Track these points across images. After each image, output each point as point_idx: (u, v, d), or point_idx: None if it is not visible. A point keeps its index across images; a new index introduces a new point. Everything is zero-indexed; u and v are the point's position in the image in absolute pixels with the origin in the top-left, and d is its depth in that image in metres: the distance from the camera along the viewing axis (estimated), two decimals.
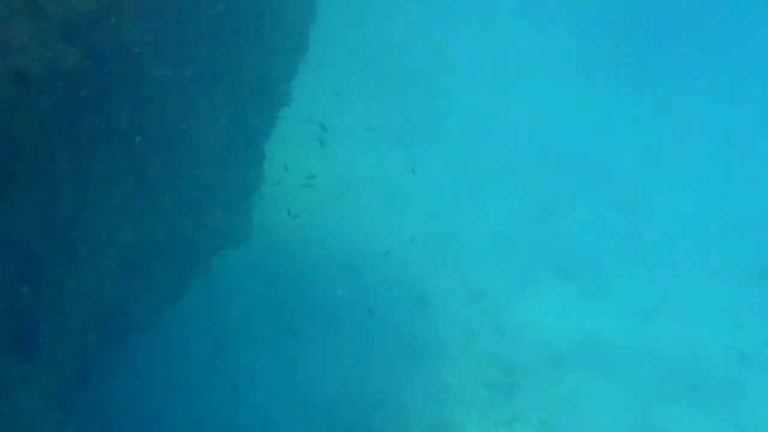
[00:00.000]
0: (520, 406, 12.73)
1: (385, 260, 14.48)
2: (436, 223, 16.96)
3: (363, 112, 18.66)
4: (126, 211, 6.84)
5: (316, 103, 17.41)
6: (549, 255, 17.10)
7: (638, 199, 19.02)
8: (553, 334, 15.06)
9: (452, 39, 21.15)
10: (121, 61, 6.02)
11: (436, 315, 14.86)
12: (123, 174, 6.67)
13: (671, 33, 23.16)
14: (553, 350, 14.72)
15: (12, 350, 5.53)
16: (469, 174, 18.43)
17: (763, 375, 15.15)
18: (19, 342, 5.61)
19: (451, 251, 16.42)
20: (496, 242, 17.11)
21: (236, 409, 9.79)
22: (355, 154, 17.63)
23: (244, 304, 10.36)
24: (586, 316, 15.85)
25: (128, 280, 6.99)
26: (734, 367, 15.15)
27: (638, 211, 18.87)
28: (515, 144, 19.41)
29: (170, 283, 7.85)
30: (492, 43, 21.89)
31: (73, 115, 5.51)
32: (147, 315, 7.79)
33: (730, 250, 18.49)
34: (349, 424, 11.21)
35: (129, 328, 7.82)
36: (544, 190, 18.53)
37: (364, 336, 13.40)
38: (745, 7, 23.55)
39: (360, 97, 18.88)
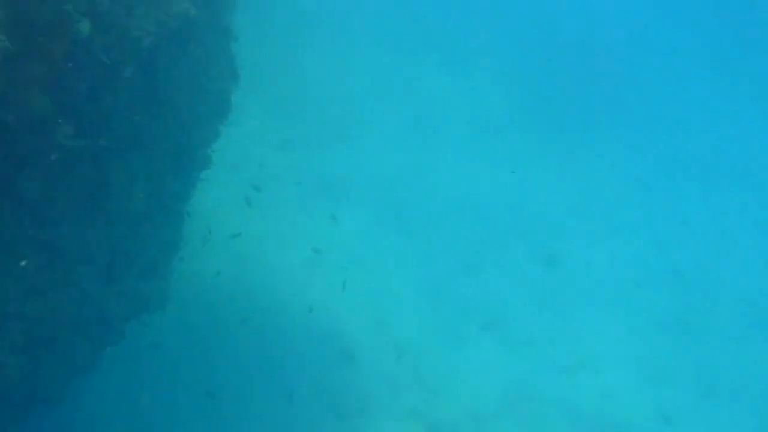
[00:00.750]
0: None
1: (309, 315, 14.39)
2: (361, 276, 16.97)
3: (287, 165, 18.72)
4: (33, 283, 6.61)
5: (239, 159, 17.51)
6: (474, 308, 17.31)
7: (560, 252, 19.57)
8: (477, 390, 15.19)
9: (374, 91, 21.60)
10: (31, 132, 5.90)
11: (361, 370, 14.80)
12: (31, 245, 6.46)
13: (589, 85, 24.34)
14: (478, 406, 14.87)
15: None
16: (395, 227, 18.61)
17: None
18: None
19: (377, 304, 16.45)
20: (421, 295, 17.24)
21: None
22: (281, 208, 17.56)
23: (161, 370, 10.04)
24: (511, 370, 16.06)
25: (34, 355, 6.71)
26: (656, 425, 15.69)
27: (561, 264, 19.40)
28: (440, 197, 19.77)
29: (81, 354, 7.56)
30: (415, 97, 22.46)
31: None
32: (54, 388, 7.46)
33: (647, 303, 19.21)
34: None
35: (35, 401, 7.46)
36: (468, 244, 18.86)
37: (287, 395, 13.25)
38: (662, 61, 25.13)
39: (284, 150, 18.98)
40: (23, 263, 6.34)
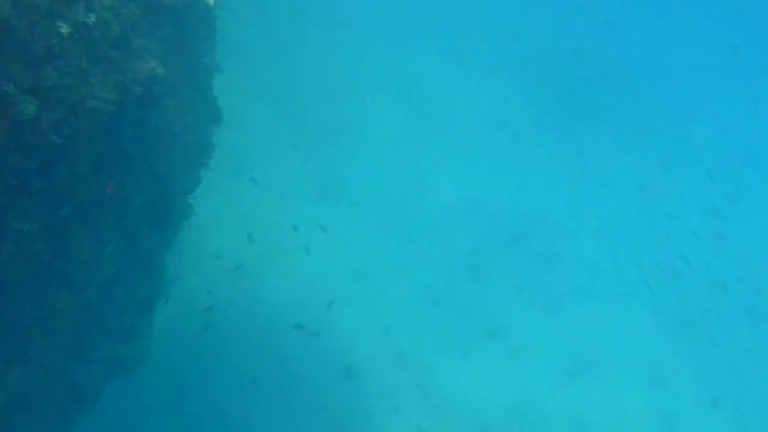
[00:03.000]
0: None
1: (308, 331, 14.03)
2: (362, 285, 16.55)
3: (290, 168, 18.19)
4: None
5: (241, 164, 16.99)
6: (478, 316, 16.88)
7: (563, 254, 18.97)
8: (482, 403, 14.90)
9: (377, 88, 20.85)
10: None
11: (363, 385, 14.49)
12: None
13: (593, 85, 23.43)
14: (483, 420, 14.56)
15: None
16: (397, 231, 18.07)
17: None
18: None
19: (379, 315, 16.03)
20: (424, 303, 16.78)
21: None
22: (282, 212, 17.06)
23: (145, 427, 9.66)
24: (517, 380, 15.72)
25: None
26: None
27: (563, 266, 18.83)
28: (443, 200, 19.16)
29: (50, 426, 7.16)
30: (418, 92, 21.68)
31: None
32: None
33: (651, 303, 18.69)
34: None
35: None
36: (471, 247, 18.31)
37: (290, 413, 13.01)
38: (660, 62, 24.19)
39: (285, 151, 18.43)
40: None
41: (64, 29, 5.33)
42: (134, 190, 7.26)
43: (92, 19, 5.54)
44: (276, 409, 13.38)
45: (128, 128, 6.43)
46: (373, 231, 17.65)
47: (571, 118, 22.35)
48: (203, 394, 12.25)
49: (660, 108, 24.07)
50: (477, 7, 24.14)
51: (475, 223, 18.77)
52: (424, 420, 14.32)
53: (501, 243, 18.57)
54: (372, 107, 20.18)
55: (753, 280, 19.64)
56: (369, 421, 14.00)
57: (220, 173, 15.86)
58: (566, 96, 22.73)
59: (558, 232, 19.25)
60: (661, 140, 23.16)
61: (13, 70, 5.09)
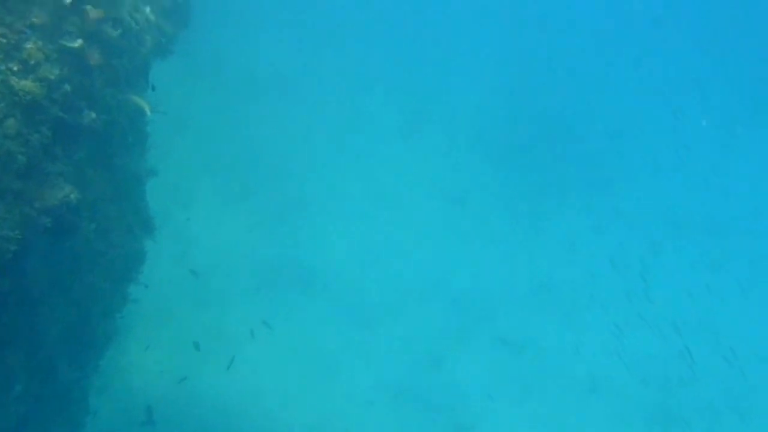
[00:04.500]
0: None
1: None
2: (319, 378, 15.72)
3: (241, 248, 17.46)
4: None
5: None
6: (441, 409, 16.15)
7: (528, 338, 18.47)
8: None
9: (333, 162, 20.37)
10: None
11: None
12: None
13: (560, 159, 23.22)
14: None
15: None
16: (355, 317, 17.38)
17: None
18: None
19: (337, 410, 15.17)
20: (385, 396, 16.00)
21: None
22: (231, 299, 16.25)
23: None
24: None
25: None
26: None
27: (529, 351, 18.30)
28: (402, 281, 18.58)
29: None
30: (377, 166, 21.27)
31: None
32: None
33: (619, 389, 18.15)
34: None
35: None
36: (432, 334, 17.69)
37: None
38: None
39: (237, 231, 17.72)
40: None
41: None
42: (48, 321, 6.51)
43: None
44: None
45: (37, 261, 5.74)
46: (328, 317, 16.94)
47: (534, 192, 22.01)
48: None
49: (635, 185, 23.75)
50: (435, 79, 24.07)
51: (436, 306, 18.17)
52: None
53: (463, 327, 18.01)
54: (326, 182, 19.68)
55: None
56: None
57: (165, 258, 15.23)
58: (529, 169, 22.43)
59: (521, 314, 18.74)
60: (636, 217, 22.74)
61: None
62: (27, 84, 5.27)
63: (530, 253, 20.66)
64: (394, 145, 21.95)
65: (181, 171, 17.01)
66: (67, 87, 5.65)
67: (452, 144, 22.25)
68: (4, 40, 5.30)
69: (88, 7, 5.88)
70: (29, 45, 5.42)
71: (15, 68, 5.30)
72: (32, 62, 5.38)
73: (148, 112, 7.63)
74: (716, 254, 21.79)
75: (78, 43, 5.76)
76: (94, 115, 5.97)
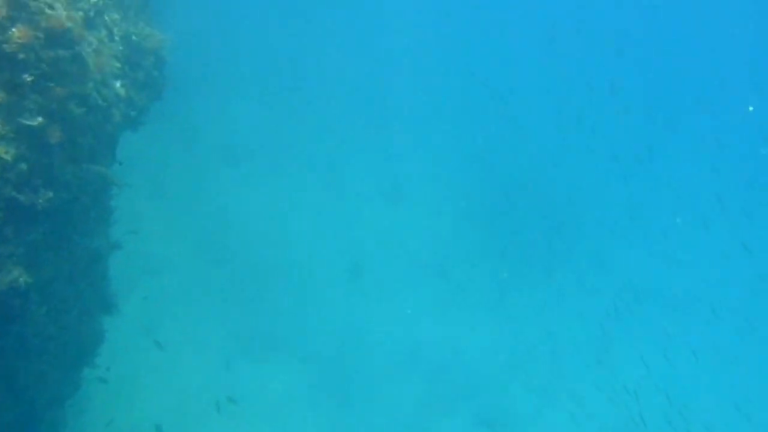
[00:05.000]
0: None
1: None
2: None
3: (214, 319, 16.94)
4: None
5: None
6: None
7: (507, 417, 18.01)
8: None
9: (310, 232, 20.08)
10: None
11: None
12: None
13: (541, 227, 23.08)
14: None
15: None
16: (333, 391, 16.82)
17: None
18: None
19: None
20: None
21: None
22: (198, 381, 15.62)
23: None
24: None
25: None
26: None
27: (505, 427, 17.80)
28: (381, 356, 18.10)
29: None
30: (354, 235, 20.99)
31: None
32: None
33: None
34: None
35: None
36: (412, 410, 17.16)
37: None
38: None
39: (211, 303, 17.22)
40: None
41: None
42: None
43: None
44: None
45: None
46: (304, 391, 16.39)
47: (517, 265, 21.75)
48: None
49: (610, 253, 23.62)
50: (416, 148, 24.05)
51: (416, 382, 17.70)
52: None
53: (444, 404, 17.50)
54: (304, 250, 19.36)
55: None
56: None
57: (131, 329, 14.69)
58: (513, 242, 22.18)
59: (503, 392, 18.31)
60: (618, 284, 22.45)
61: None
62: None
63: (509, 325, 20.38)
64: (374, 212, 21.82)
65: (152, 238, 16.77)
66: (23, 166, 5.41)
67: (433, 213, 22.15)
68: None
69: (52, 84, 5.70)
70: None
71: None
72: None
73: (115, 186, 7.41)
74: (673, 323, 21.59)
75: (38, 121, 5.55)
76: (51, 194, 5.72)
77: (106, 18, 7.86)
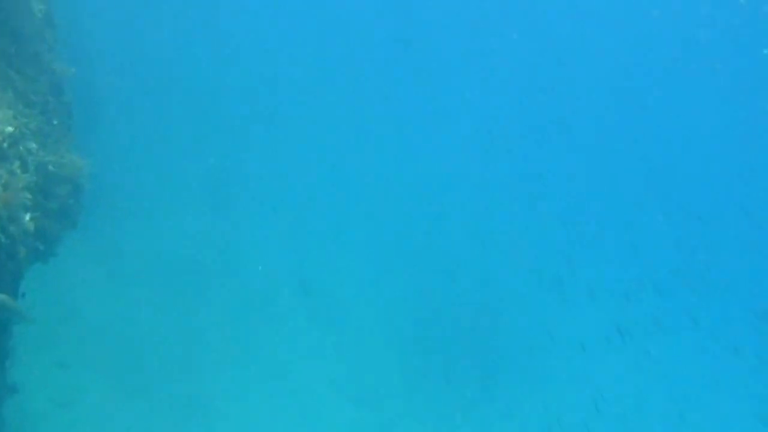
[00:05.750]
0: None
1: None
2: None
3: None
4: None
5: None
6: None
7: None
8: None
9: (233, 358, 19.14)
10: None
11: None
12: None
13: (488, 338, 22.41)
14: None
15: None
16: None
17: None
18: None
19: None
20: None
21: None
22: None
23: None
24: None
25: None
26: None
27: None
28: None
29: None
30: (281, 359, 20.01)
31: None
32: None
33: None
34: None
35: None
36: None
37: None
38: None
39: None
40: None
41: None
42: None
43: None
44: None
45: None
46: None
47: (466, 377, 20.96)
48: None
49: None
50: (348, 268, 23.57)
51: None
52: None
53: None
54: (229, 379, 18.41)
55: None
56: None
57: None
58: (450, 366, 21.36)
59: None
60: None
61: None
62: None
63: None
64: (300, 339, 20.88)
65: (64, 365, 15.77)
66: None
67: (365, 337, 21.45)
68: None
69: None
70: None
71: None
72: None
73: (18, 322, 6.93)
74: None
75: None
76: None
77: (21, 148, 7.63)
